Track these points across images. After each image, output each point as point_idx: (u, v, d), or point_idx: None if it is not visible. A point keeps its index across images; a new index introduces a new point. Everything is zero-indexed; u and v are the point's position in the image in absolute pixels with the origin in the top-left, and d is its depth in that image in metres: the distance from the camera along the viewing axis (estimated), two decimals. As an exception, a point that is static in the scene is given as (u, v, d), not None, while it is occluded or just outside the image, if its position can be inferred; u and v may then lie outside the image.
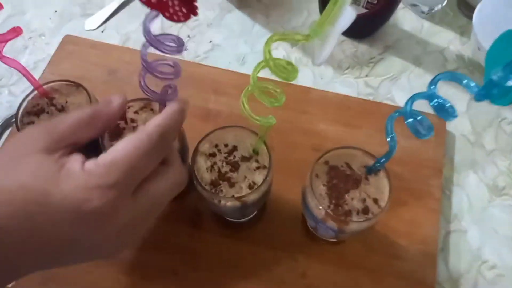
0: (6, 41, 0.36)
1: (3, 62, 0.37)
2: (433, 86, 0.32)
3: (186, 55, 0.64)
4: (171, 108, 0.32)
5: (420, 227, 0.50)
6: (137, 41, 0.65)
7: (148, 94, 0.34)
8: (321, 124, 0.56)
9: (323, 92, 0.59)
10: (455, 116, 0.31)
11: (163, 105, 0.35)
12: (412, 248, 0.49)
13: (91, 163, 0.28)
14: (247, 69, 0.63)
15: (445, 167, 0.55)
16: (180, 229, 0.50)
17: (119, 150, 0.28)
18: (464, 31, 0.66)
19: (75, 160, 0.28)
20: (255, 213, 0.49)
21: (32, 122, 0.40)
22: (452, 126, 0.58)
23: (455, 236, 0.52)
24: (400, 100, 0.60)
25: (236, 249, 0.49)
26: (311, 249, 0.49)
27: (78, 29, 0.66)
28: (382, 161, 0.37)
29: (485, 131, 0.58)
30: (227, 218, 0.49)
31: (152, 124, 0.30)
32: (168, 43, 0.30)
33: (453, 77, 0.31)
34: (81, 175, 0.27)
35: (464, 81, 0.30)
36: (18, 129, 0.40)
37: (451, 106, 0.31)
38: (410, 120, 0.33)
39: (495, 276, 0.50)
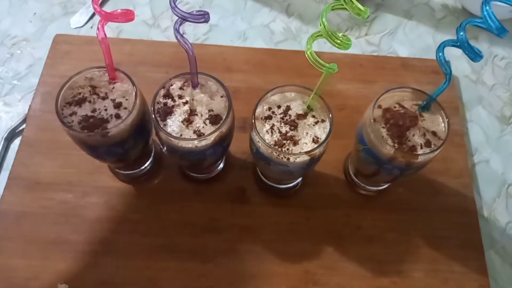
0: (112, 21, 0.36)
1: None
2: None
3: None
4: None
5: (452, 162, 0.53)
6: (130, 32, 0.62)
7: (182, 13, 0.34)
8: (339, 84, 0.57)
9: (333, 54, 0.60)
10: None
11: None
12: (450, 182, 0.52)
13: None
14: (250, 44, 0.63)
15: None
16: (230, 209, 0.49)
17: None
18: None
19: None
20: (301, 177, 0.50)
21: (75, 113, 0.37)
22: (453, 69, 0.61)
23: (480, 167, 0.55)
24: (402, 52, 0.63)
25: (290, 216, 0.49)
26: (360, 203, 0.50)
27: (64, 29, 0.62)
28: (436, 94, 0.38)
29: (482, 69, 0.62)
30: (276, 186, 0.49)
31: None
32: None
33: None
34: None
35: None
36: (62, 121, 0.37)
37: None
38: (466, 45, 0.34)
39: (523, 196, 0.54)
